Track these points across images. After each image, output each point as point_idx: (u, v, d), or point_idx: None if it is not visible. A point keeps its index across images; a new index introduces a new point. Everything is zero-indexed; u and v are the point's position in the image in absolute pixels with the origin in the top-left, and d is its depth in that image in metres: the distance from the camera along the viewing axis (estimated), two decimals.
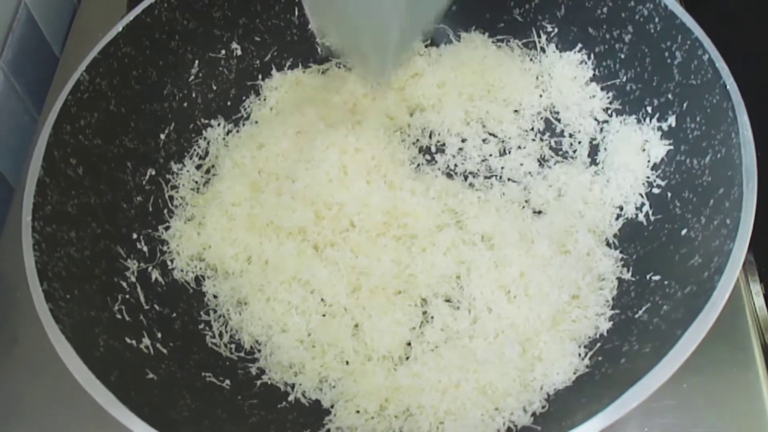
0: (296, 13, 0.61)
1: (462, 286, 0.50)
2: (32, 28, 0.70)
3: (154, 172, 0.55)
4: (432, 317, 0.49)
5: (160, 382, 0.44)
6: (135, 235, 0.52)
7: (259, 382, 0.48)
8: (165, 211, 0.55)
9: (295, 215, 0.52)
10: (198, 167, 0.58)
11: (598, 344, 0.46)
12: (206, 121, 0.60)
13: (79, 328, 0.43)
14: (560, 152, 0.57)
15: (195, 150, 0.58)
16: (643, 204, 0.52)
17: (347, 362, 0.48)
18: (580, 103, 0.58)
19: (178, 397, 0.44)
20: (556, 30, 0.60)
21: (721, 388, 0.48)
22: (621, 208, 0.53)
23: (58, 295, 0.43)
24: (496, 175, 0.57)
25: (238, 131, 0.60)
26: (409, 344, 0.49)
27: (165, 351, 0.47)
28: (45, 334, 0.41)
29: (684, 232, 0.47)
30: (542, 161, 0.57)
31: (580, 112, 0.58)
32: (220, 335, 0.50)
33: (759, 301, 0.53)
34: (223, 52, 0.59)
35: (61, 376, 0.40)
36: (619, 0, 0.53)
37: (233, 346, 0.50)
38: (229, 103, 0.61)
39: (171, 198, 0.56)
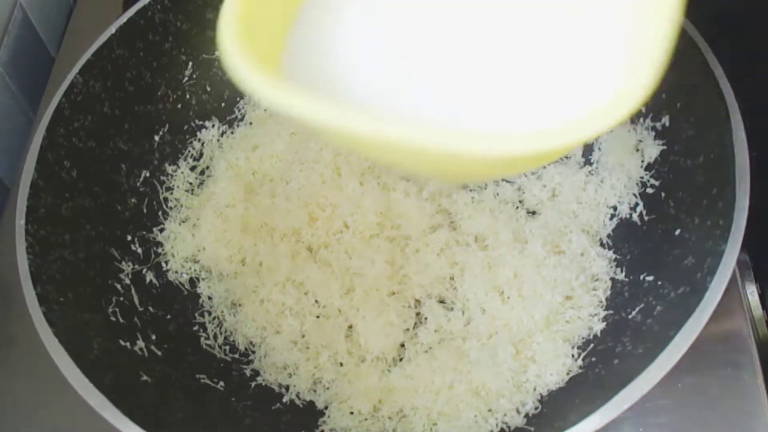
0: None
1: (455, 287, 0.50)
2: (28, 28, 0.70)
3: (148, 174, 0.55)
4: (425, 318, 0.49)
5: (155, 385, 0.44)
6: (129, 237, 0.52)
7: (253, 384, 0.48)
8: (159, 212, 0.55)
9: (289, 217, 0.52)
10: (192, 169, 0.58)
11: (592, 345, 0.46)
12: (200, 123, 0.59)
13: (72, 330, 0.43)
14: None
15: (189, 151, 0.58)
16: (637, 204, 0.52)
17: (341, 364, 0.48)
18: None
19: (172, 399, 0.44)
20: None
21: (716, 387, 0.48)
22: (615, 208, 0.53)
23: (51, 298, 0.43)
24: None
25: (232, 132, 0.60)
26: (402, 345, 0.49)
27: (159, 353, 0.47)
28: (40, 337, 0.41)
29: (677, 232, 0.47)
30: None
31: None
32: (215, 337, 0.50)
33: (754, 300, 0.53)
34: (217, 53, 0.59)
35: (57, 378, 0.40)
36: None
37: (227, 347, 0.50)
38: (223, 105, 0.61)
39: (165, 200, 0.56)
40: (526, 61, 0.30)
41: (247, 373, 0.49)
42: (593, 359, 0.45)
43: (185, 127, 0.59)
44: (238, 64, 0.27)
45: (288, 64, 0.30)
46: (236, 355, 0.50)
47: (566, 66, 0.30)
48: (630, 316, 0.46)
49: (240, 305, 0.51)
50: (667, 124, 0.51)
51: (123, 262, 0.50)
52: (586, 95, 0.28)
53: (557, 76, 0.30)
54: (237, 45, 0.27)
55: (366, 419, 0.46)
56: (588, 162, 0.56)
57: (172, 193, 0.56)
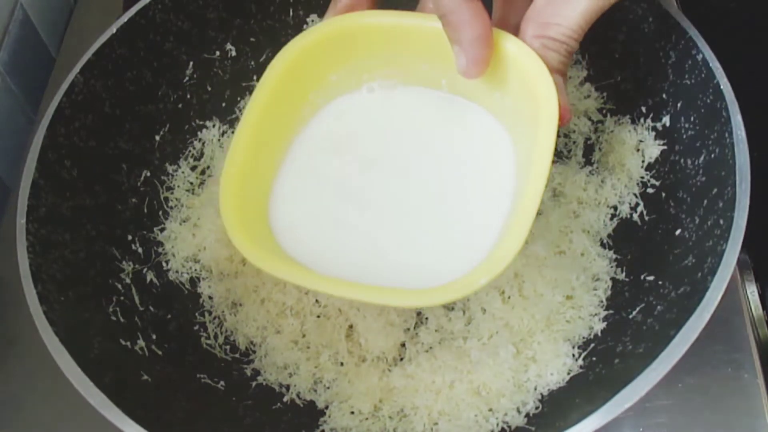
0: (291, 14, 0.61)
1: None
2: (28, 28, 0.70)
3: (149, 174, 0.55)
4: (426, 318, 0.49)
5: (155, 384, 0.44)
6: (130, 237, 0.52)
7: (254, 383, 0.48)
8: (160, 212, 0.55)
9: None
10: (193, 168, 0.58)
11: (592, 345, 0.46)
12: (201, 123, 0.59)
13: (73, 330, 0.43)
14: (555, 152, 0.57)
15: (190, 151, 0.58)
16: (637, 204, 0.52)
17: (342, 363, 0.48)
18: (574, 103, 0.57)
19: (172, 399, 0.44)
20: None
21: (716, 387, 0.48)
22: (615, 208, 0.53)
23: (52, 298, 0.43)
24: None
25: (233, 132, 0.60)
26: (403, 345, 0.49)
27: (160, 352, 0.47)
28: (40, 336, 0.41)
29: (678, 232, 0.47)
30: None
31: (575, 112, 0.57)
32: (215, 336, 0.50)
33: (754, 300, 0.53)
34: (218, 53, 0.59)
35: (58, 377, 0.40)
36: None
37: (228, 347, 0.50)
38: (224, 105, 0.61)
39: (166, 199, 0.56)
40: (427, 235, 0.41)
41: (248, 372, 0.49)
42: (594, 359, 0.45)
43: (186, 126, 0.59)
44: (233, 238, 0.39)
45: (272, 217, 0.43)
46: (237, 355, 0.50)
47: (454, 238, 0.40)
48: (630, 316, 0.46)
49: (240, 305, 0.51)
50: (668, 124, 0.51)
51: (123, 262, 0.50)
52: (467, 261, 0.37)
53: (447, 246, 0.40)
54: (232, 220, 0.39)
55: (367, 419, 0.46)
56: (589, 162, 0.56)
57: (172, 193, 0.56)
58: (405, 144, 0.45)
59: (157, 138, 0.57)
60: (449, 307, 0.50)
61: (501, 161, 0.42)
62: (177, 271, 0.53)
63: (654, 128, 0.52)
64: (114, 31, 0.53)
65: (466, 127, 0.44)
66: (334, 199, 0.43)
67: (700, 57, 0.47)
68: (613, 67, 0.56)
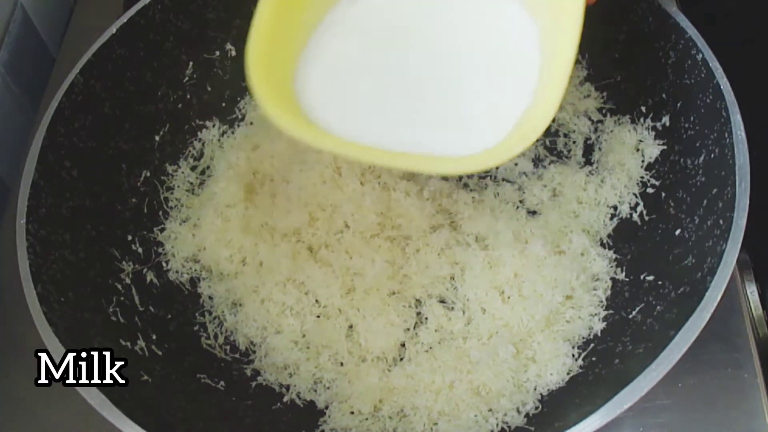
0: None
1: (456, 287, 0.50)
2: (28, 28, 0.70)
3: (148, 174, 0.55)
4: (426, 318, 0.50)
5: (155, 384, 0.44)
6: (130, 237, 0.52)
7: (254, 384, 0.48)
8: (160, 212, 0.55)
9: (289, 217, 0.52)
10: (193, 168, 0.58)
11: (592, 345, 0.46)
12: (201, 123, 0.60)
13: (73, 330, 0.43)
14: (555, 152, 0.57)
15: (190, 151, 0.58)
16: (637, 204, 0.52)
17: (341, 363, 0.48)
18: (574, 103, 0.57)
19: (172, 399, 0.44)
20: None
21: (716, 387, 0.48)
22: (615, 208, 0.53)
23: (52, 298, 0.43)
24: (490, 176, 0.57)
25: (233, 132, 0.60)
26: (403, 345, 0.49)
27: (160, 353, 0.47)
28: (40, 336, 0.41)
29: (678, 232, 0.47)
30: (537, 161, 0.57)
31: (575, 112, 0.57)
32: (215, 337, 0.50)
33: (754, 300, 0.53)
34: (218, 53, 0.59)
35: None
36: None
37: (228, 347, 0.50)
38: (223, 104, 0.61)
39: (166, 199, 0.56)
40: (460, 99, 0.42)
41: (248, 372, 0.49)
42: (593, 359, 0.45)
43: (186, 126, 0.59)
44: (261, 101, 0.39)
45: (299, 81, 0.43)
46: (237, 355, 0.50)
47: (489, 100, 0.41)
48: (630, 316, 0.46)
49: (240, 305, 0.51)
50: (667, 124, 0.51)
51: (123, 262, 0.51)
52: (497, 132, 0.38)
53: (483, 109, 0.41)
54: (260, 82, 0.40)
55: (366, 419, 0.46)
56: (588, 162, 0.56)
57: (172, 193, 0.56)
58: (433, 25, 0.45)
59: (157, 138, 0.57)
60: (449, 307, 0.50)
61: (525, 41, 0.43)
62: (177, 271, 0.53)
63: (654, 128, 0.52)
64: (114, 31, 0.53)
65: (491, 10, 0.45)
66: (362, 75, 0.43)
67: (699, 57, 0.47)
68: (613, 67, 0.56)
